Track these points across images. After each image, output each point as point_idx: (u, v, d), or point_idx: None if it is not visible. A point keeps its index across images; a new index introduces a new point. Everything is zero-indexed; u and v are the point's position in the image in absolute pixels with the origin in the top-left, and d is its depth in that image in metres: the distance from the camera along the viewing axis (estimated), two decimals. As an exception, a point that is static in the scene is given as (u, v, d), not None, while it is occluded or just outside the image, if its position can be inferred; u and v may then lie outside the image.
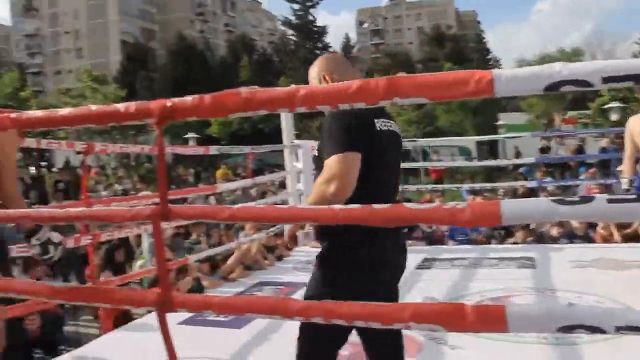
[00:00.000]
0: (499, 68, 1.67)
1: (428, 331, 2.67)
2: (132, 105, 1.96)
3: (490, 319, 1.39)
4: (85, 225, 4.30)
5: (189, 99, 1.86)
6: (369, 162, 2.16)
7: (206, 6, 75.62)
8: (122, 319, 4.63)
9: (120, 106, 1.99)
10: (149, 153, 7.36)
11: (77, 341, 5.11)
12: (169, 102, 1.88)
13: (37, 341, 4.67)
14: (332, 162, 2.11)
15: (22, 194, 3.54)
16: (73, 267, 6.58)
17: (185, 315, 4.52)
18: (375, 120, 2.25)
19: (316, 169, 2.38)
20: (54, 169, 28.14)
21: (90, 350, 4.04)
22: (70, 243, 3.93)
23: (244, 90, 1.75)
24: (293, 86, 1.68)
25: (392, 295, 2.36)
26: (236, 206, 1.79)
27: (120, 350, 4.03)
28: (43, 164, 30.28)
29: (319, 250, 2.33)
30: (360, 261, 2.17)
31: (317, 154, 2.34)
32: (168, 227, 5.63)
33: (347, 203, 1.72)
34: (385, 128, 2.30)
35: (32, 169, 27.61)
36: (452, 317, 1.42)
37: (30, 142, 4.04)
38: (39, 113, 2.21)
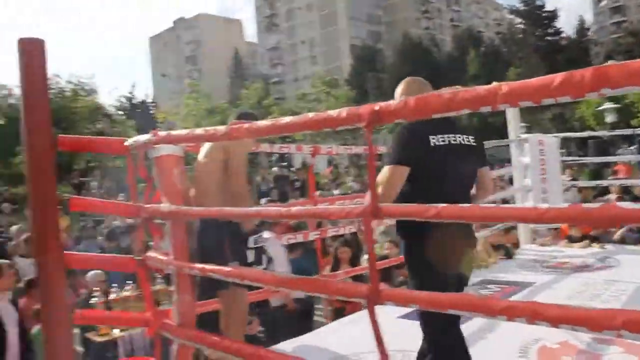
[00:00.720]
0: None
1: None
2: (344, 111, 2.11)
3: None
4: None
5: (394, 102, 1.95)
6: (424, 174, 2.60)
7: (431, 3, 75.60)
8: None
9: (334, 112, 2.15)
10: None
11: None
12: (376, 107, 1.98)
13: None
14: (384, 170, 2.61)
15: (266, 193, 3.98)
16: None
17: (407, 309, 4.66)
18: (431, 137, 2.62)
19: None
20: (292, 169, 30.54)
21: (317, 337, 4.34)
22: (299, 238, 4.31)
23: (446, 91, 1.78)
24: (495, 84, 1.66)
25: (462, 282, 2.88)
26: (441, 205, 1.82)
27: (337, 339, 4.31)
28: (284, 164, 33.03)
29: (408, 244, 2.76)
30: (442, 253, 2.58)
31: None
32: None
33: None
34: (443, 143, 2.64)
35: (275, 169, 30.30)
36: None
37: (265, 147, 4.51)
38: (267, 122, 2.49)
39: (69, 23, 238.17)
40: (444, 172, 2.63)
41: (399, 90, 2.90)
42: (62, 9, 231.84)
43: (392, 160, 2.61)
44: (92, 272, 6.29)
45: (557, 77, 1.46)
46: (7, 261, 5.12)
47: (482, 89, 1.67)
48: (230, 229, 3.05)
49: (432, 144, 2.62)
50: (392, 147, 2.66)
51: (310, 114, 2.24)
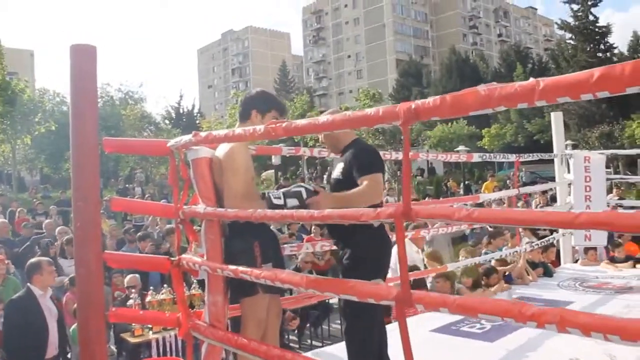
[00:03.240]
0: None
1: None
2: (380, 109, 2.09)
3: None
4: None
5: (430, 99, 1.91)
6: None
7: (479, 18, 74.93)
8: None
9: (370, 111, 2.13)
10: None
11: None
12: (413, 104, 1.95)
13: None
14: (371, 178, 2.99)
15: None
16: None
17: (440, 322, 4.57)
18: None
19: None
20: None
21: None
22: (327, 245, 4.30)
23: (482, 88, 1.73)
24: (532, 79, 1.61)
25: None
26: (474, 208, 1.77)
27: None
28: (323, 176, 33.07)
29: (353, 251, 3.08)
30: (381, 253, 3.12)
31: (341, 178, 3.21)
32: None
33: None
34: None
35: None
36: None
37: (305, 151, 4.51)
38: (304, 121, 2.48)
39: (122, 34, 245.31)
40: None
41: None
42: (116, 20, 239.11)
43: (375, 169, 3.05)
44: (130, 275, 6.40)
45: (596, 72, 1.41)
46: (47, 258, 5.24)
47: (519, 84, 1.62)
48: (260, 230, 3.03)
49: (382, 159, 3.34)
50: (369, 160, 3.11)
51: (348, 112, 2.23)
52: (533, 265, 6.55)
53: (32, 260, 5.21)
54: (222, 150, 3.15)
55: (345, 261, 3.10)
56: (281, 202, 2.83)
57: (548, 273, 6.61)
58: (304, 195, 2.83)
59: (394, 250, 3.47)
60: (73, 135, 3.12)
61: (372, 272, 2.83)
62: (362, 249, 3.03)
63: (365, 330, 3.02)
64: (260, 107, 3.25)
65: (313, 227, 9.56)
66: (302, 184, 3.10)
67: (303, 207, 2.77)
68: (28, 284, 4.98)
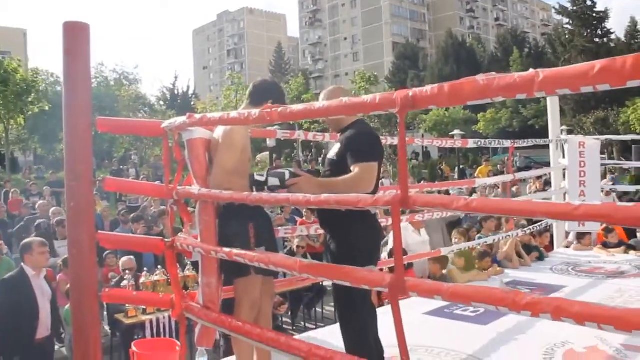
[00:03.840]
0: None
1: None
2: (377, 96, 2.08)
3: None
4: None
5: (428, 88, 1.90)
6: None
7: (476, 2, 74.52)
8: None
9: (367, 97, 2.12)
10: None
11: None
12: (410, 92, 1.94)
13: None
14: (362, 167, 2.85)
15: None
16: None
17: (433, 306, 4.60)
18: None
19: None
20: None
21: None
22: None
23: (481, 78, 1.73)
24: (532, 70, 1.60)
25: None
26: (471, 197, 1.77)
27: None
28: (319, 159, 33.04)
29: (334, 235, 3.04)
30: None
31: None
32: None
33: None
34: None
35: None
36: None
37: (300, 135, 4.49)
38: (299, 106, 2.47)
39: (117, 14, 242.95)
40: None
41: (322, 96, 3.20)
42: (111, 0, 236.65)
43: (369, 158, 2.90)
44: (125, 258, 6.40)
45: (597, 64, 1.39)
46: (40, 239, 5.22)
47: (518, 75, 1.61)
48: (254, 212, 3.03)
49: (382, 145, 3.19)
50: (365, 146, 2.96)
51: (345, 99, 2.21)
52: (529, 248, 6.60)
53: (26, 240, 5.19)
54: (221, 129, 3.15)
55: (335, 249, 3.03)
56: (262, 179, 2.85)
57: (541, 257, 6.66)
58: (287, 176, 2.83)
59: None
60: (66, 114, 3.09)
61: (362, 260, 2.75)
62: (353, 236, 2.95)
63: (361, 316, 3.01)
64: (278, 101, 3.21)
65: (305, 211, 9.58)
66: (290, 169, 3.09)
67: (283, 188, 2.78)
68: (22, 264, 4.97)
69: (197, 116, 2.97)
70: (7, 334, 4.78)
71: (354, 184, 2.74)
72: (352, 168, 2.86)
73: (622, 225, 1.46)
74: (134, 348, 3.67)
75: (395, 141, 6.19)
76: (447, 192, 8.89)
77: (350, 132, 3.08)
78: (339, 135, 3.25)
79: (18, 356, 4.80)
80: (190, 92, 53.77)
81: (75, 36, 3.11)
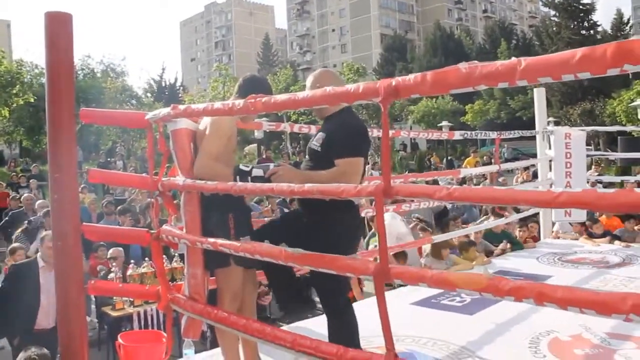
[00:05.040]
0: None
1: None
2: (360, 86, 2.07)
3: None
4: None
5: (411, 76, 1.89)
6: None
7: (464, -6, 74.64)
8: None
9: (350, 87, 2.11)
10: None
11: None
12: (393, 81, 1.94)
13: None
14: (347, 161, 2.80)
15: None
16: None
17: (420, 296, 4.62)
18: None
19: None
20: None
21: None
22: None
23: (464, 66, 1.72)
24: (514, 59, 1.60)
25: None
26: (453, 187, 1.78)
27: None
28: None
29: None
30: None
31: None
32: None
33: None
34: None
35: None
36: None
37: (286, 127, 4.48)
38: (283, 96, 2.46)
39: (103, 5, 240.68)
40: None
41: (311, 79, 3.10)
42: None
43: (354, 152, 2.83)
44: (113, 248, 6.36)
45: (578, 52, 1.40)
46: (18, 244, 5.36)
47: (500, 64, 1.61)
48: (234, 203, 3.01)
49: (369, 137, 3.14)
50: (351, 139, 2.85)
51: (328, 88, 2.20)
52: (496, 236, 6.69)
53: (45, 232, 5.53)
54: (208, 119, 3.12)
55: (315, 240, 2.79)
56: (247, 169, 2.89)
57: (516, 247, 6.76)
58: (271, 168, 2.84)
59: (387, 222, 3.46)
60: (49, 105, 3.06)
61: (343, 249, 2.68)
62: (333, 228, 2.86)
63: (344, 303, 3.01)
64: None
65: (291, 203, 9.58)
66: (279, 163, 3.11)
67: (266, 180, 2.78)
68: (38, 254, 5.13)
69: (182, 107, 2.96)
70: (6, 318, 4.92)
71: (336, 180, 2.57)
72: (336, 162, 2.79)
73: (603, 211, 1.47)
74: (120, 340, 3.67)
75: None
76: (436, 183, 8.92)
77: (335, 124, 2.96)
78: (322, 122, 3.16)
79: (19, 339, 4.89)
80: (178, 84, 53.49)
81: (58, 26, 3.08)
